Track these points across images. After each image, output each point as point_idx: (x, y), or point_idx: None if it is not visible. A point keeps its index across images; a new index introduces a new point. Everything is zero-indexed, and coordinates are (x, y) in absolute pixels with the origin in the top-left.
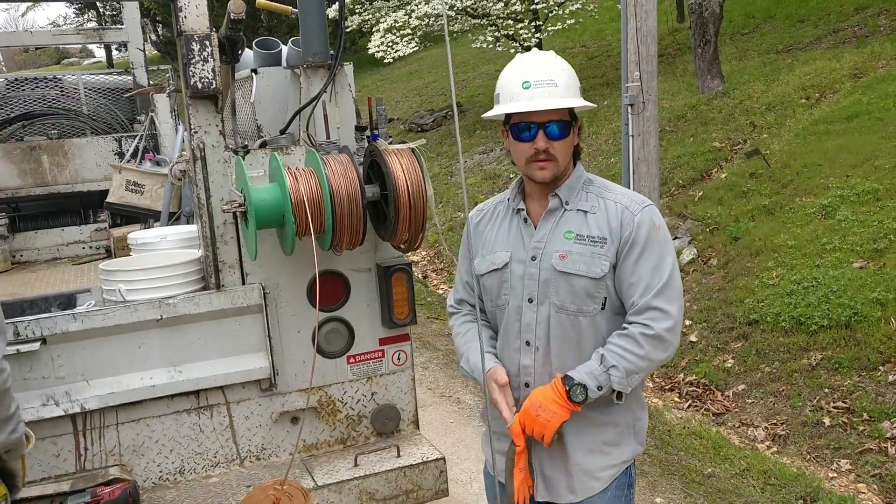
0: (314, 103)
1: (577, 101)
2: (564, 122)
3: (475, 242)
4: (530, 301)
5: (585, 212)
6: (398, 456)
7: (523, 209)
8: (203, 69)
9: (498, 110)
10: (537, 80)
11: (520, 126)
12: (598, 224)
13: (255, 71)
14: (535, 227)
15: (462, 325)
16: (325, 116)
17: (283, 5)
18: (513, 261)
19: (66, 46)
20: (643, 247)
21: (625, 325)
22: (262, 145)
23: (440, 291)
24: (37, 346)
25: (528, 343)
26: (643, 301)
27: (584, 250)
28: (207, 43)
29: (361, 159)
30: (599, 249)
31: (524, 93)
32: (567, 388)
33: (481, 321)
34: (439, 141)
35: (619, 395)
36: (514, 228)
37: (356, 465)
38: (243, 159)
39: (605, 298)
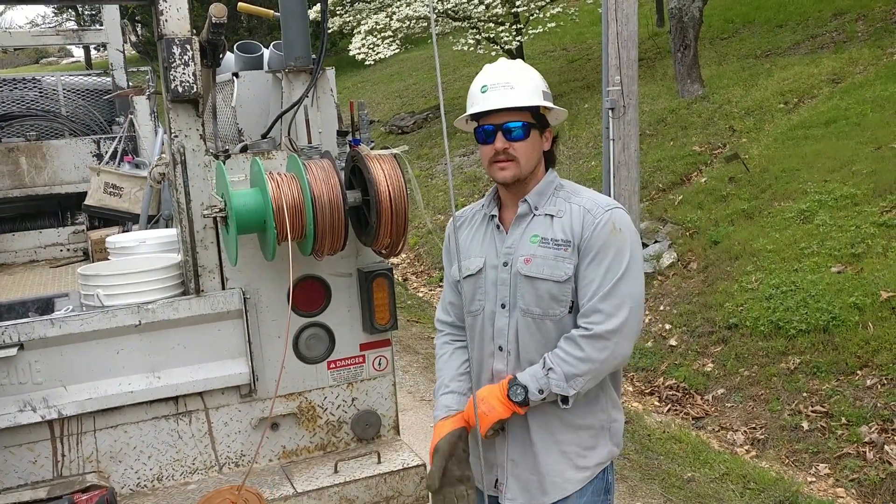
0: (296, 108)
1: (533, 101)
2: (524, 124)
3: (455, 248)
4: (503, 307)
5: (552, 216)
6: (379, 462)
7: (496, 215)
8: (184, 73)
9: (460, 117)
10: (494, 84)
11: (482, 129)
12: (563, 227)
13: (236, 74)
14: (507, 233)
15: (442, 346)
16: (307, 121)
17: (264, 9)
18: (486, 266)
19: (45, 46)
20: (598, 250)
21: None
22: (244, 150)
23: (420, 294)
24: (14, 351)
25: (500, 348)
26: (590, 304)
27: (547, 254)
28: (188, 46)
29: (343, 164)
30: (563, 252)
31: (481, 96)
32: (509, 386)
33: (459, 341)
34: (419, 143)
35: (566, 399)
36: (489, 235)
37: (336, 471)
38: (224, 164)
39: (572, 301)
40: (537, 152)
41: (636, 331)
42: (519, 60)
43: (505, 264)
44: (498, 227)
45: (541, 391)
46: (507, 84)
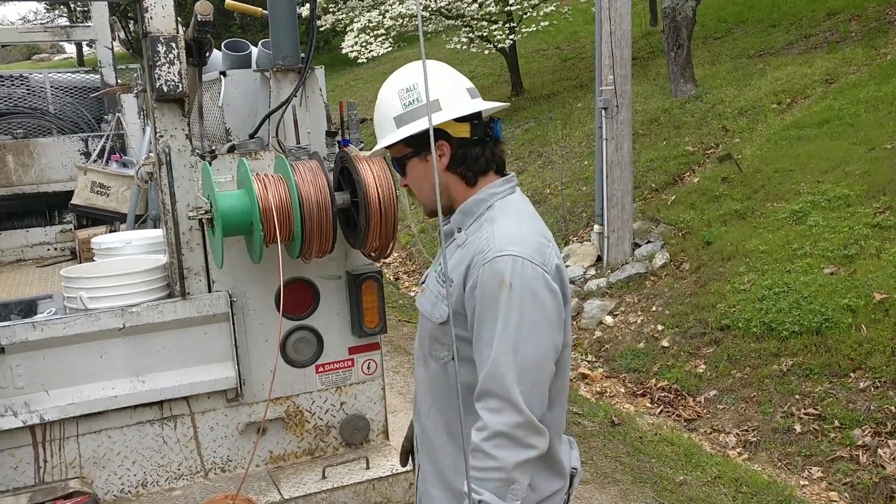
0: (284, 107)
1: (381, 142)
2: (397, 159)
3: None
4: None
5: (460, 246)
6: (367, 468)
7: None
8: (169, 72)
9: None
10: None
11: None
12: (457, 262)
13: (223, 73)
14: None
15: None
16: (296, 121)
17: (252, 7)
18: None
19: (36, 43)
20: (486, 309)
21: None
22: (231, 150)
23: (412, 294)
24: None
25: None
26: (482, 383)
27: (434, 288)
28: (174, 45)
29: (332, 165)
30: (444, 291)
31: None
32: None
33: None
34: None
35: None
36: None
37: (324, 477)
38: (210, 164)
39: (454, 359)
40: (430, 179)
41: (540, 404)
42: (393, 75)
43: (424, 281)
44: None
45: None
46: (376, 121)
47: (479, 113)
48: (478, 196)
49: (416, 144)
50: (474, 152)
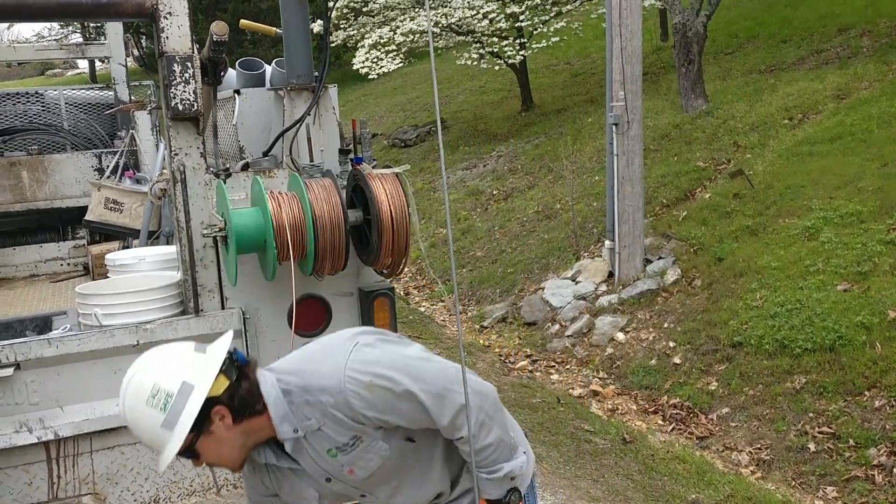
0: (298, 126)
1: (173, 445)
2: (184, 451)
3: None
4: (363, 496)
5: (319, 429)
6: None
7: (278, 461)
8: (184, 91)
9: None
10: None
11: None
12: (339, 433)
13: (237, 92)
14: (299, 464)
15: None
16: (309, 139)
17: (266, 26)
18: (310, 499)
19: (50, 60)
20: (388, 404)
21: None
22: (245, 167)
23: (422, 309)
24: (10, 371)
25: None
26: (444, 422)
27: (357, 454)
28: (189, 64)
29: (345, 183)
30: (365, 442)
31: None
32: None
33: None
34: (422, 157)
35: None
36: (290, 478)
37: None
38: (224, 182)
39: (412, 441)
40: (228, 440)
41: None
42: (129, 392)
43: (328, 480)
44: (291, 468)
45: (512, 478)
46: (146, 440)
47: None
48: (273, 405)
49: (196, 426)
50: (244, 390)
